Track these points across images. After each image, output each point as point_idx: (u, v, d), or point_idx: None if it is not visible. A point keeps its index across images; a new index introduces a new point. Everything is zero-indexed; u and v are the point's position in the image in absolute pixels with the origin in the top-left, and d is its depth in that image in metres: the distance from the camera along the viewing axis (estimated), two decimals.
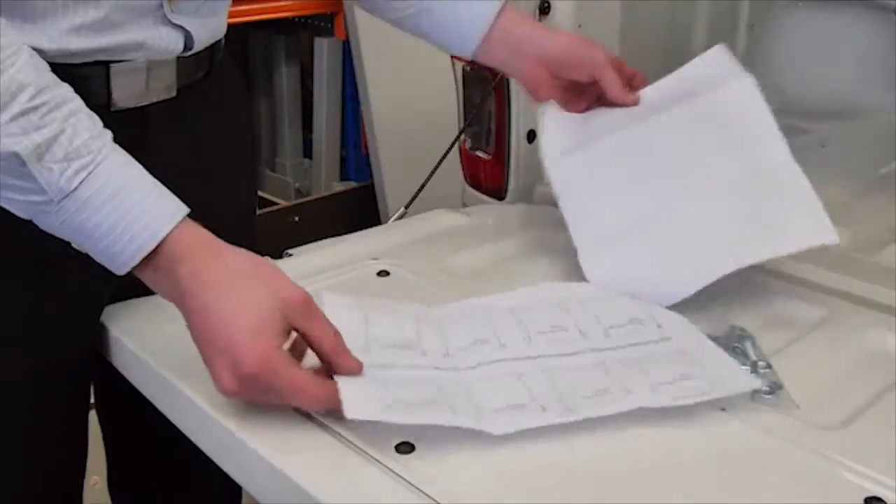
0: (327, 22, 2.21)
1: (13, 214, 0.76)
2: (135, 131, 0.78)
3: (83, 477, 0.93)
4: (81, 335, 0.85)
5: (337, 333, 0.68)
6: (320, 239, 1.02)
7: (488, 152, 1.25)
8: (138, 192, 0.66)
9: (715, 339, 0.78)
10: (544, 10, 1.21)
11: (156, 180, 0.68)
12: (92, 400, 0.96)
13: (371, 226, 1.13)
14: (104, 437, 1.05)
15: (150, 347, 0.80)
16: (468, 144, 1.27)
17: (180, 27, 0.79)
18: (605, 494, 0.62)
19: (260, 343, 0.64)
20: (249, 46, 2.40)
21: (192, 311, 0.66)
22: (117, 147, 0.67)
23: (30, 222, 0.70)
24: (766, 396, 0.71)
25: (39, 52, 0.68)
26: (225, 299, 0.65)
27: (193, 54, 0.82)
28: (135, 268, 0.67)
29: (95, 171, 0.65)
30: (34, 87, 0.63)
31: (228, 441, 0.68)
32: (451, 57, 1.27)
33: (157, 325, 0.83)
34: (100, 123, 0.67)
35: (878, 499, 0.61)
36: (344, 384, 0.65)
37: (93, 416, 1.00)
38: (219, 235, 0.92)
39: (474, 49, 0.97)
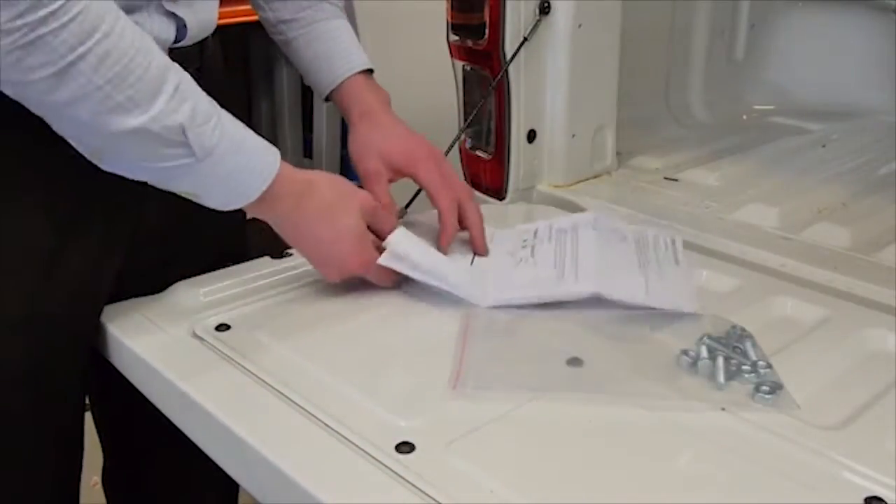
0: None
1: (12, 214, 0.76)
2: None
3: (79, 476, 0.93)
4: (81, 334, 0.85)
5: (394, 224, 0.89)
6: None
7: (488, 152, 1.25)
8: (248, 137, 0.77)
9: (715, 338, 0.78)
10: (544, 10, 1.21)
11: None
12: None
13: None
14: (101, 437, 1.05)
15: (150, 347, 0.80)
16: (468, 144, 1.27)
17: (173, 15, 0.80)
18: (604, 496, 0.62)
19: (361, 253, 0.86)
20: (250, 47, 2.41)
21: (296, 237, 0.85)
22: None
23: (28, 220, 0.70)
24: (767, 396, 0.71)
25: None
26: (324, 231, 0.84)
27: (183, 48, 0.83)
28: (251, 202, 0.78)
29: (222, 126, 0.73)
30: (173, 66, 0.70)
31: (228, 440, 0.68)
32: (451, 57, 1.27)
33: (157, 325, 0.84)
34: None
35: (879, 498, 0.61)
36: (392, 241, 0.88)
37: (91, 416, 1.01)
38: (209, 238, 0.93)
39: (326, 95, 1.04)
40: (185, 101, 0.70)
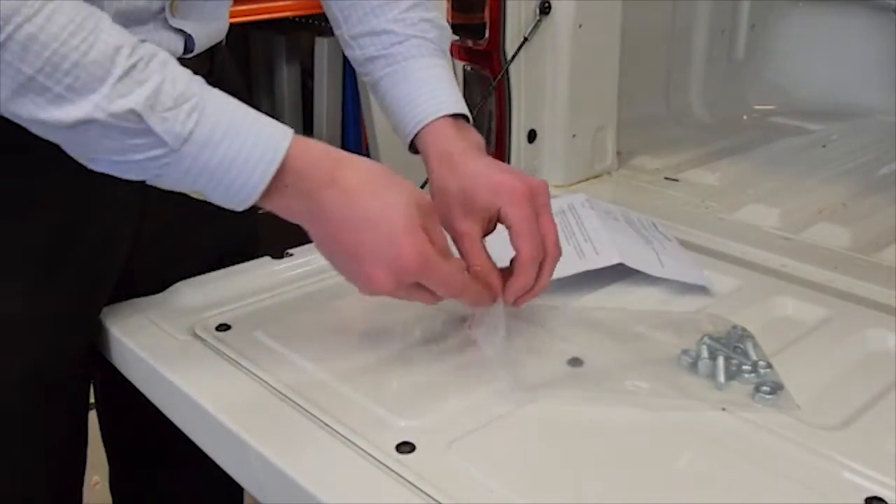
0: (328, 22, 2.20)
1: (11, 211, 0.76)
2: None
3: (83, 476, 0.94)
4: (81, 334, 0.85)
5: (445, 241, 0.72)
6: None
7: (489, 152, 1.26)
8: (248, 121, 0.66)
9: (716, 339, 0.78)
10: (545, 10, 1.21)
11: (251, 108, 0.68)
12: (92, 400, 0.96)
13: None
14: (104, 437, 1.05)
15: (150, 347, 0.80)
16: None
17: (181, 31, 0.79)
18: (605, 496, 0.62)
19: (416, 240, 0.67)
20: (250, 46, 2.40)
21: (333, 223, 0.68)
22: (209, 87, 0.67)
23: (27, 218, 0.70)
24: (767, 397, 0.71)
25: None
26: (370, 205, 0.67)
27: (193, 56, 0.82)
28: (263, 194, 0.66)
29: (205, 110, 0.64)
30: (128, 46, 0.63)
31: (229, 440, 0.68)
32: (451, 57, 1.27)
33: (157, 325, 0.84)
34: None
35: (879, 499, 0.61)
36: None
37: (93, 415, 1.01)
38: (219, 235, 0.92)
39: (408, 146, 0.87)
40: (141, 84, 0.62)
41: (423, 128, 0.84)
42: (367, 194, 0.68)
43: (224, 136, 0.64)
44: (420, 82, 0.85)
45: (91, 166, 0.67)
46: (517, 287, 0.77)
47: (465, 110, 0.86)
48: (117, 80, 0.61)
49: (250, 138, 0.65)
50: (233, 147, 0.64)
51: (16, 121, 0.63)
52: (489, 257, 0.78)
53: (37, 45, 0.59)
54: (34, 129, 0.64)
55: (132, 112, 0.62)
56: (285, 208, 0.68)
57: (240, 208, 0.67)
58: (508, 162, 1.24)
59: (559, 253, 0.79)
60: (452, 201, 0.79)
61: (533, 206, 0.77)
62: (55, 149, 0.69)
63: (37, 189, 0.78)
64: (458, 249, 0.78)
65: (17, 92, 0.60)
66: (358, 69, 0.91)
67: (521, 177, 0.79)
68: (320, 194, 0.67)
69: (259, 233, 1.03)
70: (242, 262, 0.95)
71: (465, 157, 0.81)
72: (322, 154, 0.68)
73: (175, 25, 0.78)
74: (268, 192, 0.66)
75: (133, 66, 0.62)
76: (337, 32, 0.92)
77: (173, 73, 0.64)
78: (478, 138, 0.85)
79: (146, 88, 0.62)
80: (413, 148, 0.86)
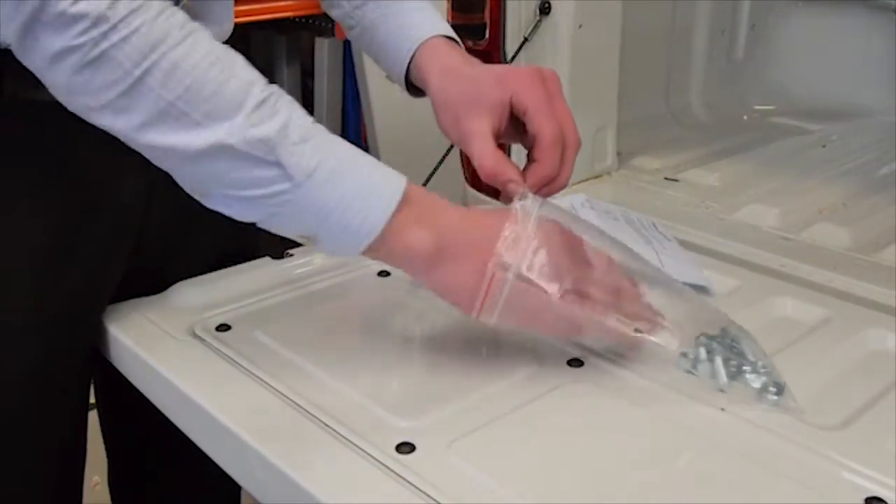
0: (328, 22, 2.20)
1: (14, 209, 0.76)
2: None
3: (82, 477, 0.94)
4: (83, 334, 0.85)
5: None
6: None
7: None
8: (364, 158, 0.67)
9: (712, 337, 0.78)
10: (545, 10, 1.21)
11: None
12: (92, 400, 0.96)
13: None
14: (104, 438, 1.05)
15: (150, 347, 0.80)
16: None
17: None
18: (602, 495, 0.62)
19: None
20: (250, 46, 2.40)
21: (451, 250, 0.68)
22: None
23: (30, 216, 0.70)
24: (768, 397, 0.71)
25: None
26: (477, 230, 0.69)
27: None
28: (379, 236, 0.66)
29: (326, 147, 0.65)
30: (261, 81, 0.65)
31: (228, 440, 0.68)
32: None
33: (157, 326, 0.84)
34: None
35: (879, 499, 0.61)
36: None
37: (93, 415, 1.01)
38: (218, 236, 0.92)
39: (403, 76, 0.86)
40: (273, 116, 0.64)
41: (419, 46, 0.83)
42: (470, 222, 0.70)
43: (347, 171, 0.65)
44: (413, 12, 0.86)
45: (204, 202, 0.68)
46: (542, 173, 0.75)
47: (460, 42, 0.86)
48: (251, 110, 0.63)
49: (374, 174, 0.67)
50: (355, 183, 0.65)
51: (142, 150, 0.65)
52: (502, 154, 0.76)
53: (179, 71, 0.61)
54: (157, 158, 0.65)
55: (264, 141, 0.63)
56: (403, 248, 0.68)
57: (353, 253, 0.67)
58: None
59: (579, 140, 0.77)
60: (458, 106, 0.78)
61: (546, 89, 0.76)
62: (59, 150, 0.69)
63: (40, 188, 0.78)
64: (468, 151, 0.76)
65: (155, 117, 0.62)
66: (346, 22, 0.92)
67: (528, 66, 0.78)
68: (424, 237, 0.68)
69: (258, 234, 1.03)
70: (242, 262, 0.95)
71: (466, 66, 0.81)
72: (434, 201, 0.70)
73: None
74: (386, 231, 0.66)
75: (265, 101, 0.64)
76: (324, 4, 0.95)
77: (299, 110, 0.66)
78: (475, 59, 0.84)
79: (276, 122, 0.64)
80: (409, 82, 0.87)
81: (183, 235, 0.91)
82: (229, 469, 0.71)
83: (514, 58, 1.20)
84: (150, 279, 0.89)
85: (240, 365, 0.76)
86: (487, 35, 1.21)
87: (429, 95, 0.83)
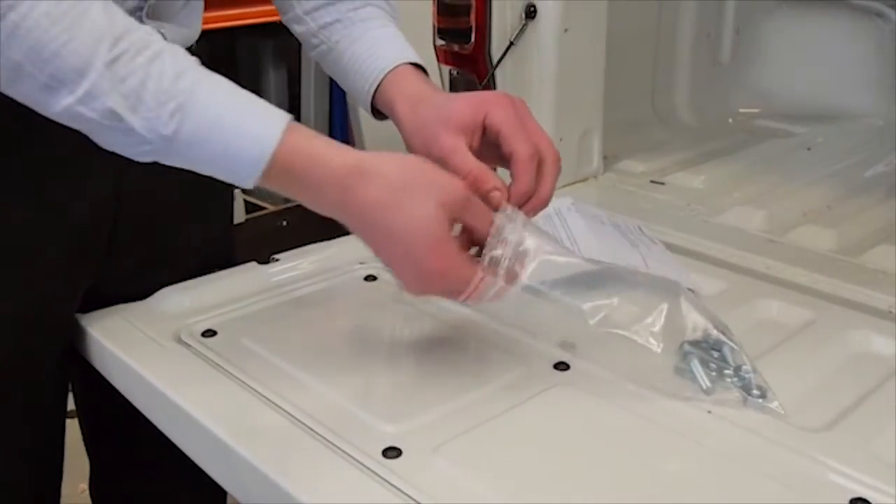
0: None
1: None
2: None
3: (60, 480, 0.93)
4: (53, 335, 0.84)
5: (493, 222, 0.70)
6: (308, 243, 1.01)
7: None
8: (235, 116, 0.65)
9: (694, 343, 0.78)
10: (531, 14, 1.21)
11: (250, 94, 0.68)
12: (73, 407, 0.95)
13: None
14: (86, 442, 1.05)
15: (135, 353, 0.80)
16: None
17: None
18: (591, 498, 0.62)
19: (441, 256, 0.67)
20: (237, 51, 2.40)
21: (371, 232, 0.69)
22: (204, 73, 0.66)
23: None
24: (752, 399, 0.72)
25: None
26: (395, 217, 0.67)
27: None
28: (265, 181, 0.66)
29: (189, 110, 0.63)
30: (111, 37, 0.62)
31: (213, 445, 0.68)
32: (438, 61, 1.27)
33: (142, 331, 0.83)
34: (183, 55, 0.65)
35: (863, 500, 0.61)
36: None
37: (76, 423, 1.00)
38: (196, 247, 0.91)
39: (369, 101, 0.86)
40: (124, 80, 0.61)
41: (385, 75, 0.83)
42: (389, 209, 0.67)
43: (210, 133, 0.64)
44: (378, 39, 0.85)
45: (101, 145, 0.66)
46: (520, 189, 0.76)
47: (422, 62, 0.85)
48: (100, 74, 0.61)
49: (236, 140, 0.64)
50: (219, 144, 0.64)
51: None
52: (483, 164, 0.75)
53: (20, 31, 0.59)
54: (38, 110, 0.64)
55: (112, 111, 0.62)
56: (290, 194, 0.68)
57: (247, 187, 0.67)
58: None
59: (557, 155, 0.78)
60: (430, 128, 0.78)
61: (516, 111, 0.77)
62: (31, 149, 0.68)
63: (3, 190, 0.77)
64: (449, 167, 0.75)
65: (11, 77, 0.61)
66: (310, 41, 0.91)
67: (501, 93, 0.80)
68: (337, 204, 0.68)
69: (236, 236, 1.03)
70: (220, 265, 0.95)
71: (434, 94, 0.82)
72: (330, 161, 0.68)
73: (148, 24, 0.78)
74: (267, 181, 0.66)
75: (115, 60, 0.62)
76: (286, 18, 0.94)
77: (161, 69, 0.63)
78: (440, 88, 0.83)
79: (125, 88, 0.62)
80: (374, 108, 0.86)
81: (158, 240, 0.90)
82: (214, 474, 0.71)
83: (499, 62, 1.20)
84: (129, 285, 0.88)
85: (226, 370, 0.76)
86: (473, 39, 1.21)
87: (396, 122, 0.83)
